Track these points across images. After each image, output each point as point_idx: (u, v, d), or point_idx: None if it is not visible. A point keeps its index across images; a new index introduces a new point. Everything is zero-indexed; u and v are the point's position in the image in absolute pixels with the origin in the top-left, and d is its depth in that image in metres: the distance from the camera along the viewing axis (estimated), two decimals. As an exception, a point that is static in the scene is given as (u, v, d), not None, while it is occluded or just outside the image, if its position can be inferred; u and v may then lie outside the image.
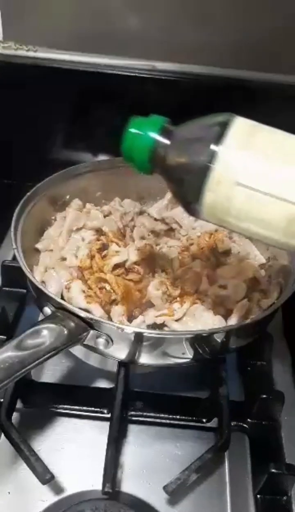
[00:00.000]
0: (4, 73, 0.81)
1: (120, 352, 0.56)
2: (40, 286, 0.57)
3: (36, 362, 0.49)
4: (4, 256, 0.77)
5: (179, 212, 0.76)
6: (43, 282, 0.64)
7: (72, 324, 0.52)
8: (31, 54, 0.81)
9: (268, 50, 0.76)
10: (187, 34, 0.76)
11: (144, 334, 0.54)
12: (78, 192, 0.75)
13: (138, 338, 0.53)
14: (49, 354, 0.50)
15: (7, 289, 0.72)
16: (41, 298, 0.58)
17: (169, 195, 0.77)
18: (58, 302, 0.54)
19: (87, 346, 0.56)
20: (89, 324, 0.53)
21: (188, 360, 0.56)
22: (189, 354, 0.55)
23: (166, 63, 0.79)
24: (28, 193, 0.68)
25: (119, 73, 0.80)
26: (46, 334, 0.51)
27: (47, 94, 0.81)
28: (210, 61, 0.78)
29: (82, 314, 0.53)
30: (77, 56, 0.80)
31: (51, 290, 0.62)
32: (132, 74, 0.80)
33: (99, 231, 0.71)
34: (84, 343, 0.55)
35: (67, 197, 0.74)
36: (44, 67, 0.80)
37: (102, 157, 0.90)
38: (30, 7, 0.76)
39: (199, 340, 0.54)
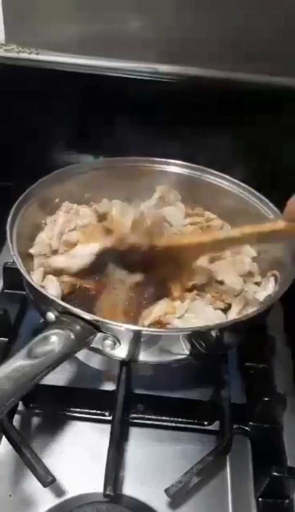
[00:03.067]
0: (6, 75, 0.82)
1: (127, 352, 0.56)
2: (44, 292, 0.56)
3: (48, 369, 0.49)
4: (6, 258, 0.77)
5: (168, 210, 0.77)
6: (42, 287, 0.63)
7: (78, 327, 0.52)
8: (33, 56, 0.81)
9: (270, 53, 0.76)
10: (188, 36, 0.76)
11: (153, 333, 0.54)
12: (67, 195, 0.75)
13: (146, 337, 0.53)
14: (59, 361, 0.50)
15: (8, 291, 0.72)
16: (44, 303, 0.57)
17: (157, 195, 0.77)
18: (63, 306, 0.54)
19: (94, 349, 0.56)
20: (96, 326, 0.53)
21: (194, 356, 0.56)
22: (196, 349, 0.55)
23: (168, 66, 0.79)
24: (19, 198, 0.67)
25: (121, 75, 0.80)
26: (54, 341, 0.50)
27: (49, 97, 0.82)
28: (212, 64, 0.78)
29: (88, 316, 0.52)
30: (79, 59, 0.80)
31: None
32: (134, 77, 0.80)
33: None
34: (91, 345, 0.54)
35: (57, 200, 0.74)
36: (46, 70, 0.80)
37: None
38: (32, 10, 0.77)
39: (207, 335, 0.54)
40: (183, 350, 0.55)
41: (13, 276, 0.70)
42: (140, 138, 0.84)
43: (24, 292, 0.71)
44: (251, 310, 0.60)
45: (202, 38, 0.76)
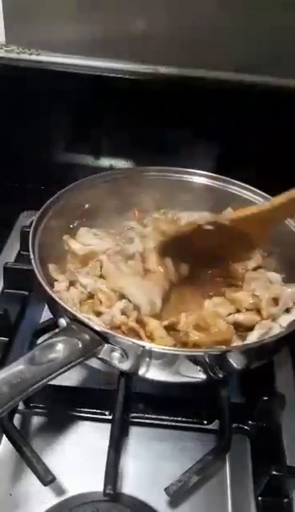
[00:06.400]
0: (7, 76, 0.82)
1: (135, 367, 0.55)
2: (56, 298, 0.55)
3: (49, 377, 0.48)
4: (7, 258, 0.77)
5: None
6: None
7: (87, 337, 0.51)
8: (34, 57, 0.81)
9: (270, 54, 0.76)
10: (188, 37, 0.76)
11: (162, 351, 0.52)
12: (97, 201, 0.74)
13: (155, 354, 0.52)
14: (63, 369, 0.49)
15: (9, 291, 0.72)
16: (57, 309, 0.57)
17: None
18: (73, 314, 0.53)
19: (102, 359, 0.55)
20: (104, 337, 0.52)
21: (204, 378, 0.55)
22: (209, 371, 0.54)
23: (169, 67, 0.80)
24: (44, 205, 0.66)
25: (122, 76, 0.80)
26: (60, 348, 0.50)
27: (49, 98, 0.82)
28: (213, 65, 0.78)
29: (97, 327, 0.52)
30: (79, 60, 0.80)
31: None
32: (135, 78, 0.80)
33: None
34: (99, 356, 0.54)
35: (87, 205, 0.73)
36: (47, 71, 0.81)
37: (103, 161, 0.90)
38: (33, 11, 0.77)
39: (220, 357, 0.53)
40: (195, 371, 0.54)
41: (14, 276, 0.71)
42: (141, 139, 0.85)
43: (24, 292, 0.72)
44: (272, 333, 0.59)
45: (202, 39, 0.76)
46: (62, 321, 0.56)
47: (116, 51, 0.79)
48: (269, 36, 0.74)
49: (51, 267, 0.65)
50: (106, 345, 0.52)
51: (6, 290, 0.72)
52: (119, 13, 0.76)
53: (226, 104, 0.79)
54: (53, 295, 0.56)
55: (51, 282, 0.63)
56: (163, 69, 0.80)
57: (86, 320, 0.53)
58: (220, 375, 0.55)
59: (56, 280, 0.64)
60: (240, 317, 0.62)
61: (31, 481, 0.52)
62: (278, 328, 0.61)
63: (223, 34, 0.75)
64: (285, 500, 0.54)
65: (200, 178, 0.77)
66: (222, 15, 0.74)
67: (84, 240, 0.70)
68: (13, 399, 0.46)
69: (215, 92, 0.79)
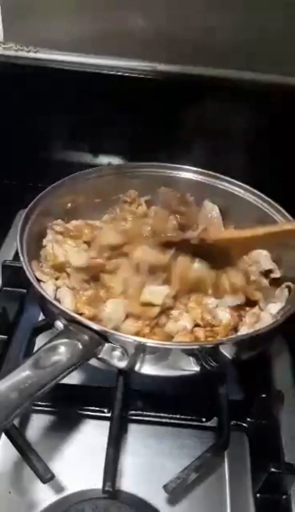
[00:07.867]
0: (5, 73, 0.82)
1: (136, 365, 0.55)
2: (51, 300, 0.55)
3: (55, 380, 0.48)
4: (5, 256, 0.77)
5: None
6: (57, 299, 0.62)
7: (86, 337, 0.51)
8: (32, 55, 0.81)
9: (269, 52, 0.76)
10: (186, 35, 0.76)
11: (164, 346, 0.53)
12: (78, 200, 0.73)
13: (155, 350, 0.52)
14: (67, 371, 0.49)
15: (7, 289, 0.72)
16: (52, 311, 0.56)
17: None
18: (70, 315, 0.53)
19: (102, 360, 0.55)
20: (104, 337, 0.52)
21: (201, 370, 0.55)
22: (210, 364, 0.54)
23: (167, 65, 0.79)
24: (29, 205, 0.66)
25: (120, 74, 0.80)
26: (62, 351, 0.49)
27: (47, 95, 0.82)
28: (211, 63, 0.78)
29: (96, 326, 0.52)
30: (78, 57, 0.80)
31: (66, 304, 0.60)
32: (133, 75, 0.80)
33: None
34: (99, 356, 0.54)
35: (69, 205, 0.73)
36: (45, 68, 0.81)
37: (102, 158, 0.90)
38: (31, 8, 0.77)
39: (219, 350, 0.53)
40: (196, 364, 0.54)
41: (12, 274, 0.71)
42: (139, 137, 0.85)
43: (23, 290, 0.72)
44: (263, 323, 0.59)
45: (202, 37, 0.76)
46: (59, 324, 0.55)
47: (115, 49, 0.79)
48: (269, 36, 0.74)
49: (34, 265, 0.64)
50: (106, 345, 0.52)
51: (4, 288, 0.72)
52: (118, 11, 0.75)
53: (225, 102, 0.79)
54: (49, 298, 0.55)
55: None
56: (161, 67, 0.80)
57: (84, 321, 0.52)
58: (214, 366, 0.55)
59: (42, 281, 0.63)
60: (229, 300, 0.63)
61: (30, 479, 0.52)
62: (268, 316, 0.61)
63: (223, 33, 0.75)
64: (283, 497, 0.54)
65: (185, 173, 0.77)
66: (221, 13, 0.74)
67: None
68: (22, 405, 0.46)
69: (214, 90, 0.79)
